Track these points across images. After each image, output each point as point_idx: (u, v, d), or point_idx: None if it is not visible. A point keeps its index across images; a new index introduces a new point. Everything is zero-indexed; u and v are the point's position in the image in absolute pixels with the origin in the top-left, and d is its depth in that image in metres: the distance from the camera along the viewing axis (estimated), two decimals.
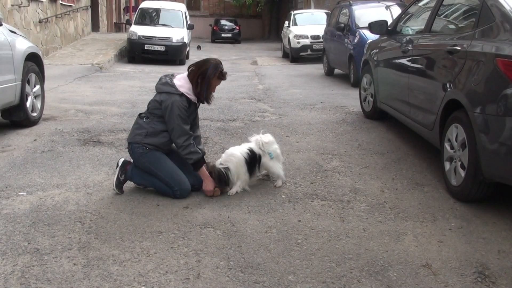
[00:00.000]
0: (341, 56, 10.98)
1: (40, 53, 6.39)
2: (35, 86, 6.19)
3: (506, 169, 3.29)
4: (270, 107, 7.75)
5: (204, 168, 3.83)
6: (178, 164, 3.87)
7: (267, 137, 4.06)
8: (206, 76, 3.75)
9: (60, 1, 15.16)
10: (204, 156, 3.94)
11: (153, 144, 3.79)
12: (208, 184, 3.81)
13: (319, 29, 14.60)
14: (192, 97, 3.80)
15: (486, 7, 3.78)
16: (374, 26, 6.28)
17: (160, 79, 3.88)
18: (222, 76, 3.83)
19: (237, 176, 3.86)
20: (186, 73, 3.86)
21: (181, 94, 3.74)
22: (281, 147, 5.21)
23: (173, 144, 3.88)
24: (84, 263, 2.76)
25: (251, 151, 3.94)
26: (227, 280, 2.61)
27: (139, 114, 3.97)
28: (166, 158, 3.84)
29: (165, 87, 3.79)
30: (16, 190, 3.87)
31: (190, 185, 3.80)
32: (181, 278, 2.62)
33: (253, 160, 3.93)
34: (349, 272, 2.72)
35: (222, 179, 3.81)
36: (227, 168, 3.82)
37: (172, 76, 3.87)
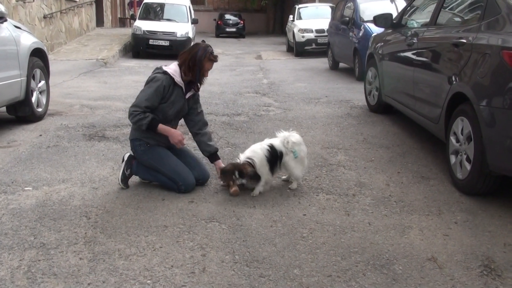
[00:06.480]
0: (346, 50, 10.94)
1: (45, 49, 6.41)
2: (40, 82, 6.21)
3: None
4: (274, 101, 7.73)
5: (161, 125, 3.72)
6: (181, 158, 3.88)
7: (295, 137, 3.84)
8: (197, 59, 3.75)
9: None
10: (218, 152, 4.02)
11: (153, 137, 3.79)
12: (175, 135, 3.75)
13: (324, 23, 14.55)
14: (177, 78, 3.78)
15: None
16: (379, 20, 6.25)
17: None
18: (213, 57, 3.81)
19: (260, 175, 3.70)
20: (177, 61, 3.86)
21: (165, 72, 3.75)
22: None
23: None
24: (90, 258, 2.77)
25: (272, 148, 3.76)
26: (233, 274, 2.62)
27: None
28: (168, 154, 3.84)
29: (153, 73, 3.82)
30: (22, 185, 3.89)
31: (194, 180, 3.81)
32: (186, 272, 2.63)
33: (273, 158, 3.74)
34: (355, 265, 2.72)
35: (251, 173, 3.63)
36: (253, 161, 3.67)
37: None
